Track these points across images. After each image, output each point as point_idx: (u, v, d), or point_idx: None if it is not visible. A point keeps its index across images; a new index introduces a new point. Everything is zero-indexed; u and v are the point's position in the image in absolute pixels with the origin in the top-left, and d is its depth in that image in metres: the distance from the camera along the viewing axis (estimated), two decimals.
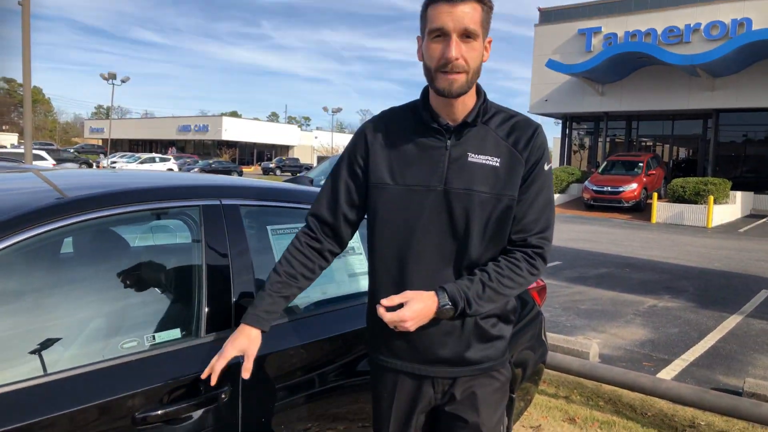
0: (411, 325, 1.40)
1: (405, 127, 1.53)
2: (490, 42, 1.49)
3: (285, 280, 1.56)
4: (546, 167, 1.52)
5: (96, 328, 1.59)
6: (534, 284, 3.10)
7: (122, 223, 1.74)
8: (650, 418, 3.68)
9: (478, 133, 1.50)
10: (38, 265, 1.58)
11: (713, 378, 4.53)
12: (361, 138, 1.57)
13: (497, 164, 1.47)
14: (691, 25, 21.78)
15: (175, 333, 1.64)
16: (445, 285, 1.44)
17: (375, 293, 1.56)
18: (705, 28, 21.50)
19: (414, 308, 1.40)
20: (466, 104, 1.49)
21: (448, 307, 1.42)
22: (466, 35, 1.39)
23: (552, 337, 4.58)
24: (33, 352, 1.45)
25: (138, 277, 1.72)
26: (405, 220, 1.48)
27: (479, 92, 1.52)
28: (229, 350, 1.50)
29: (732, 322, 6.22)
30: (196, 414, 1.57)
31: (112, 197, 1.66)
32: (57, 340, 1.50)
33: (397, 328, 1.42)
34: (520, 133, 1.50)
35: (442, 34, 1.39)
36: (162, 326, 1.65)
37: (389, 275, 1.52)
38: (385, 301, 1.42)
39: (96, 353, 1.53)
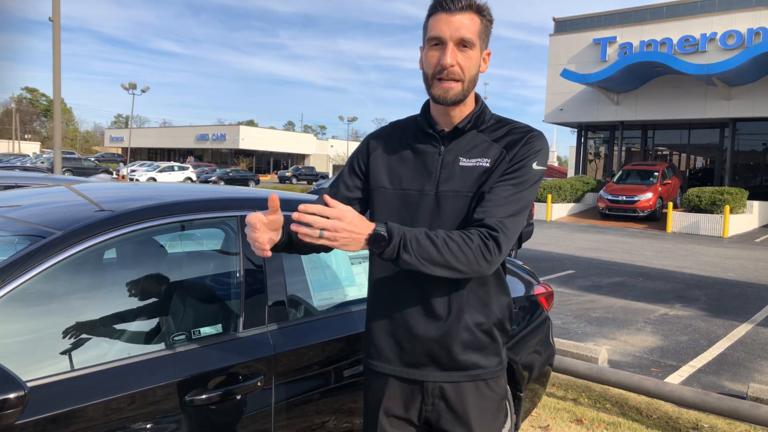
0: (332, 225, 1.27)
1: (405, 135, 1.59)
2: (488, 54, 1.54)
3: None
4: (534, 165, 1.49)
5: (151, 324, 1.82)
6: (543, 290, 3.29)
7: (173, 231, 1.98)
8: (655, 420, 3.83)
9: (472, 139, 1.53)
10: (102, 270, 1.82)
11: (719, 384, 4.65)
12: (364, 145, 1.65)
13: (488, 164, 1.50)
14: (707, 35, 21.78)
15: (217, 328, 1.87)
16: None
17: (373, 294, 1.60)
18: (721, 38, 21.50)
19: (349, 216, 1.30)
20: (463, 113, 1.53)
21: (383, 233, 1.32)
22: (463, 44, 1.44)
23: (562, 343, 4.75)
24: (101, 343, 1.68)
25: (185, 280, 1.96)
26: (401, 223, 1.45)
27: (477, 101, 1.57)
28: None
29: (742, 330, 6.32)
30: (236, 399, 1.79)
31: (163, 208, 1.89)
32: (121, 333, 1.74)
33: (322, 236, 1.27)
34: (513, 137, 1.52)
35: (439, 42, 1.45)
36: (206, 322, 1.87)
37: (385, 276, 1.55)
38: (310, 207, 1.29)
39: (152, 345, 1.76)
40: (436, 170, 1.52)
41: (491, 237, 1.40)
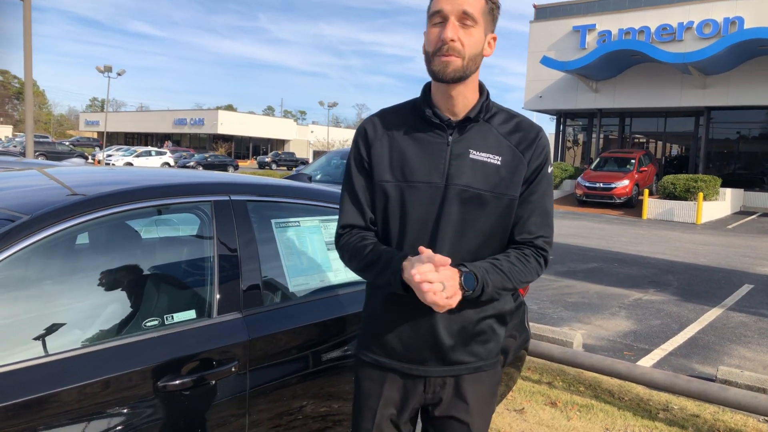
0: (436, 286, 1.31)
1: (405, 124, 1.52)
2: (494, 39, 1.50)
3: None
4: (549, 170, 1.54)
5: (123, 310, 1.80)
6: None
7: (146, 216, 1.95)
8: (627, 402, 3.92)
9: (480, 130, 1.49)
10: (74, 255, 1.79)
11: (689, 366, 4.77)
12: (361, 136, 1.56)
13: (499, 162, 1.47)
14: (684, 24, 22.03)
15: (191, 314, 1.86)
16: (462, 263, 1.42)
17: (375, 288, 1.55)
18: (698, 27, 21.75)
19: (443, 273, 1.33)
20: (467, 99, 1.48)
21: (467, 272, 1.38)
22: (465, 20, 1.41)
23: (538, 328, 4.81)
24: (74, 329, 1.66)
25: (158, 265, 1.94)
26: (405, 216, 1.47)
27: (482, 90, 1.53)
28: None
29: (712, 314, 6.47)
30: (210, 384, 1.78)
31: (135, 193, 1.87)
32: (93, 318, 1.72)
33: (425, 296, 1.31)
34: (522, 134, 1.51)
35: (441, 19, 1.42)
36: (179, 308, 1.86)
37: None
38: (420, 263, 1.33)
39: (124, 330, 1.74)
40: (444, 161, 1.47)
41: (542, 256, 1.54)
